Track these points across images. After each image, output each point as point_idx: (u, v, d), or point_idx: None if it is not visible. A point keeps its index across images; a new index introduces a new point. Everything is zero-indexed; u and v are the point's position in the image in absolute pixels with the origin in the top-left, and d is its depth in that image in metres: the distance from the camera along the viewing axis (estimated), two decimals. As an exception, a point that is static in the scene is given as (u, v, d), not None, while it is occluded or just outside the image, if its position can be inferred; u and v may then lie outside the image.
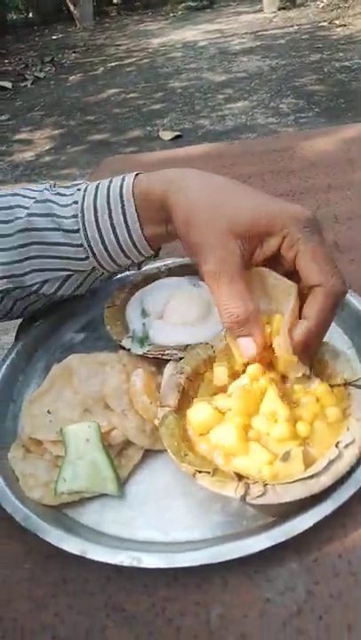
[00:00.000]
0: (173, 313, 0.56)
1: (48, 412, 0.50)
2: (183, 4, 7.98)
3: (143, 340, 0.54)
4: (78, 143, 3.42)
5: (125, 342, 0.54)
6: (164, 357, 0.51)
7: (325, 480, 0.37)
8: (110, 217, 0.50)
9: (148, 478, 0.45)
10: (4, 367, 0.57)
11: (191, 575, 0.38)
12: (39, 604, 0.38)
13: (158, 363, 0.52)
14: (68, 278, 0.54)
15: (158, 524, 0.42)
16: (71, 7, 7.92)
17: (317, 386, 0.43)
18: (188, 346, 0.51)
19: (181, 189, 0.46)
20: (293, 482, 0.37)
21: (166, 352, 0.52)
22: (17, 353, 0.59)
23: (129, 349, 0.53)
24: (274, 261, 0.44)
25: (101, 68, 5.23)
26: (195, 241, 0.44)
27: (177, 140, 3.16)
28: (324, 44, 4.87)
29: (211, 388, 0.47)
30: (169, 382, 0.47)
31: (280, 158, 1.00)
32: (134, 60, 5.41)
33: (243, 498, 0.37)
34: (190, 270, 0.64)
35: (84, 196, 0.51)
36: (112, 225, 0.50)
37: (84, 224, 0.50)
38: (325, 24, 5.58)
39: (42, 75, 5.26)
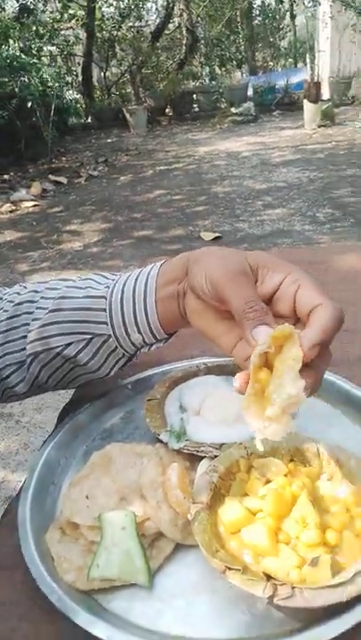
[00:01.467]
0: (210, 411, 0.60)
1: (87, 497, 0.52)
2: (230, 118, 8.63)
3: (180, 435, 0.57)
4: (124, 238, 3.63)
5: (163, 436, 0.57)
6: (199, 454, 0.54)
7: (353, 589, 0.38)
8: (135, 284, 0.57)
9: (178, 572, 0.47)
10: (48, 449, 0.60)
11: None
12: None
13: (193, 458, 0.55)
14: (89, 343, 0.59)
15: (186, 619, 0.43)
16: (127, 116, 8.69)
17: (347, 495, 0.45)
18: (222, 444, 0.54)
19: (201, 250, 0.55)
20: (321, 588, 0.39)
21: (201, 449, 0.55)
22: (60, 437, 0.62)
23: (166, 443, 0.56)
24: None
25: (150, 171, 5.63)
26: (203, 265, 0.51)
27: (217, 241, 3.33)
28: (360, 159, 5.17)
29: (242, 488, 0.49)
30: (202, 480, 0.50)
31: (314, 270, 1.05)
32: (181, 165, 5.82)
33: (270, 598, 0.39)
34: (228, 371, 0.68)
35: (121, 275, 0.60)
36: (134, 289, 0.57)
37: (112, 291, 0.58)
38: (362, 142, 5.96)
39: (95, 173, 5.69)
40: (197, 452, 0.54)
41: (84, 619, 0.41)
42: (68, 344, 0.59)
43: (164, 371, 0.72)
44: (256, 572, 0.41)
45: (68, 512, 0.51)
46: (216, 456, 0.52)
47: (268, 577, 0.40)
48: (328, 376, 0.66)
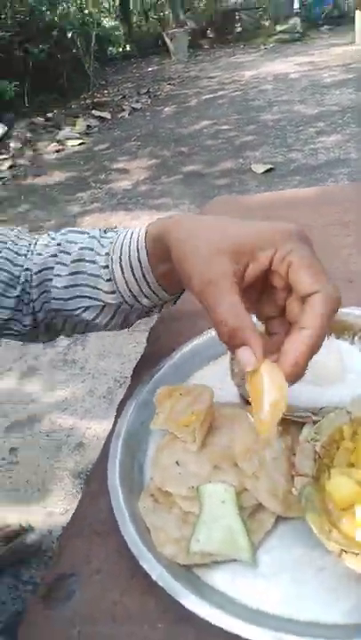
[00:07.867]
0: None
1: (177, 463, 0.50)
2: (275, 37, 8.09)
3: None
4: (172, 174, 3.51)
5: (254, 399, 0.53)
6: (295, 419, 0.51)
7: None
8: (129, 259, 0.55)
9: (280, 546, 0.44)
10: (130, 411, 0.58)
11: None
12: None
13: (285, 422, 0.51)
14: (103, 309, 0.60)
15: (293, 600, 0.41)
16: (168, 41, 8.26)
17: None
18: (321, 408, 0.50)
19: (177, 226, 0.51)
20: None
21: (296, 413, 0.51)
22: (142, 397, 0.60)
23: (257, 406, 0.53)
24: (264, 282, 0.46)
25: (195, 100, 5.37)
26: (186, 265, 0.47)
27: (269, 173, 3.18)
28: None
29: (348, 458, 0.46)
30: (304, 449, 0.46)
31: None
32: (227, 92, 5.53)
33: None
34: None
35: (117, 238, 0.58)
36: (131, 266, 0.55)
37: (111, 261, 0.56)
38: None
39: (138, 106, 5.50)
40: (292, 416, 0.51)
41: (188, 598, 0.40)
42: (86, 308, 0.60)
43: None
44: (374, 554, 0.38)
45: (158, 480, 0.49)
46: (315, 422, 0.49)
47: (389, 560, 0.37)
48: None
